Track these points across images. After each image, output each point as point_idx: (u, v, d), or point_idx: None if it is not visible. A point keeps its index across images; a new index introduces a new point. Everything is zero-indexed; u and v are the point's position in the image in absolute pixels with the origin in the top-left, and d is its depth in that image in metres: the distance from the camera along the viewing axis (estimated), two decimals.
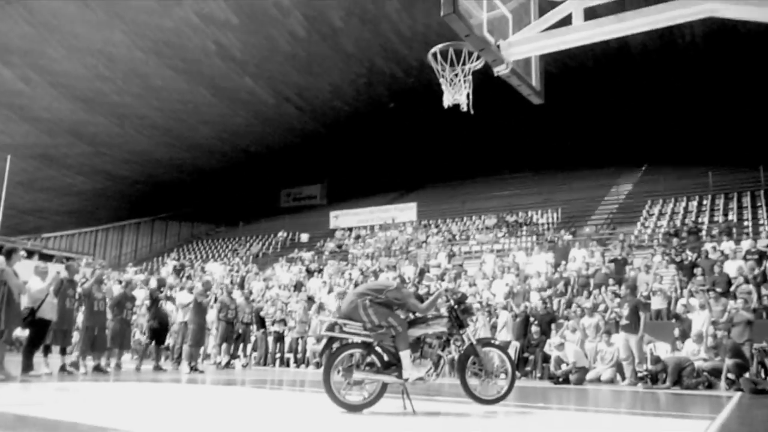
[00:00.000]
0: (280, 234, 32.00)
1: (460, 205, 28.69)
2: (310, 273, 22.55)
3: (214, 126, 30.28)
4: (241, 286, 22.45)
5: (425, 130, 33.07)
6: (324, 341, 5.88)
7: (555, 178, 31.47)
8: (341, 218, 31.47)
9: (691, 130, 30.52)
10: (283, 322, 17.40)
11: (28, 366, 9.64)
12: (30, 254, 27.09)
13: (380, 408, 5.56)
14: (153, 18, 24.81)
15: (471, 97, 5.49)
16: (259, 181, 36.89)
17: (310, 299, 18.36)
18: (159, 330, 13.02)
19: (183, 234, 37.76)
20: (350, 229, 29.55)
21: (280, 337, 17.18)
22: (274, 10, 24.62)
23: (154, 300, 12.95)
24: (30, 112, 26.67)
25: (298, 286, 21.37)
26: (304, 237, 31.19)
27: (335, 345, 5.69)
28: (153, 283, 16.26)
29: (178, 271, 26.74)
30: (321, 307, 16.90)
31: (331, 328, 5.68)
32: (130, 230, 36.00)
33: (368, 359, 5.63)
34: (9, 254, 9.00)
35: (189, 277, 25.17)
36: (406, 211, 29.52)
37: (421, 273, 18.12)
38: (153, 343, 13.21)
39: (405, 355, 5.56)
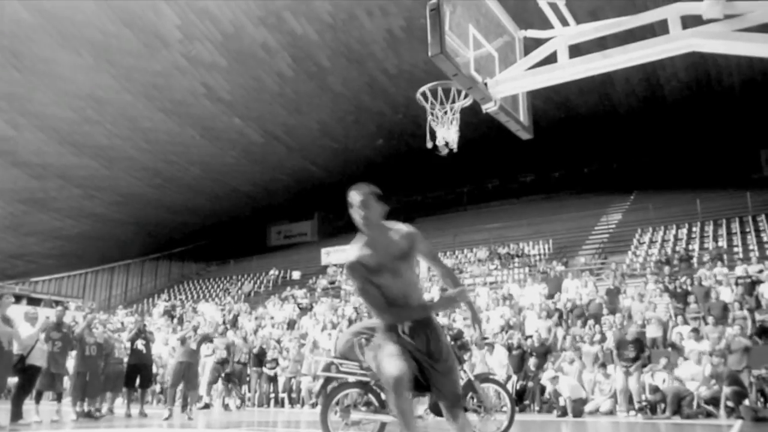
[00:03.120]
0: (271, 272, 31.84)
1: (452, 238, 28.75)
2: (302, 310, 22.41)
3: (203, 166, 30.33)
4: (234, 325, 22.26)
5: (413, 165, 33.29)
6: (321, 381, 5.83)
7: (544, 208, 31.66)
8: (333, 254, 31.37)
9: (677, 156, 30.96)
10: (276, 361, 17.21)
11: (17, 414, 9.44)
12: (18, 299, 26.78)
13: None
14: (141, 61, 25.05)
15: (459, 133, 5.56)
16: (249, 220, 36.86)
17: (304, 337, 18.22)
18: (134, 373, 12.26)
19: (173, 274, 37.47)
20: (342, 266, 29.45)
21: (273, 377, 16.97)
22: (261, 51, 24.94)
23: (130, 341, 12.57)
24: (18, 156, 26.63)
25: (291, 324, 21.21)
26: (296, 274, 31.06)
27: (332, 385, 5.64)
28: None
29: (169, 312, 26.48)
30: (315, 345, 16.75)
31: (327, 368, 5.65)
32: (120, 272, 35.67)
33: (365, 399, 5.58)
34: None
35: (180, 319, 24.92)
36: None
37: None
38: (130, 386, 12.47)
39: None
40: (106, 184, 29.13)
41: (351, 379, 5.56)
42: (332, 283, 27.01)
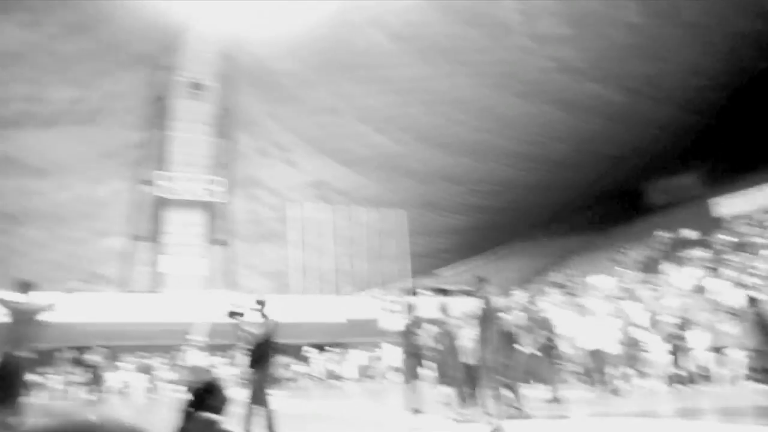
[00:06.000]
0: (658, 234, 29.87)
1: None
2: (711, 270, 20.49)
3: (566, 139, 30.15)
4: (634, 297, 21.51)
5: None
6: None
7: None
8: (726, 204, 28.01)
9: None
10: (679, 337, 15.72)
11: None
12: (433, 291, 30.59)
13: None
14: (488, 54, 26.14)
15: None
16: (624, 183, 35.31)
17: (715, 303, 16.58)
18: None
19: (558, 250, 37.96)
20: (744, 216, 26.03)
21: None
22: (603, 7, 23.69)
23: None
24: (407, 167, 30.43)
25: (697, 291, 19.56)
26: (688, 233, 28.53)
27: None
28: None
29: (560, 286, 27.01)
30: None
31: None
32: (510, 255, 37.72)
33: None
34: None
35: (573, 295, 25.15)
36: None
37: None
38: None
39: None
40: (481, 176, 31.24)
41: None
42: (736, 237, 24.07)
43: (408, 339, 9.96)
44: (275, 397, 7.25)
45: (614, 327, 16.95)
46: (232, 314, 7.28)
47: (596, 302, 21.13)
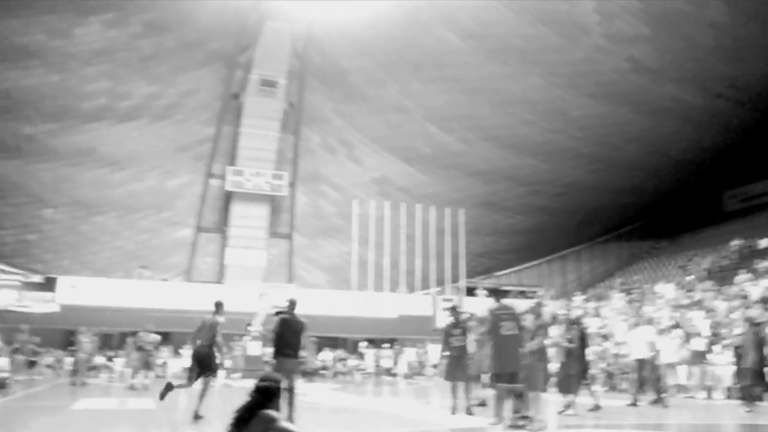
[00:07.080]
0: (733, 243, 28.48)
1: None
2: None
3: (639, 142, 29.22)
4: (702, 307, 20.62)
5: None
6: None
7: None
8: None
9: None
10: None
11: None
12: (490, 293, 30.23)
13: None
14: (563, 55, 25.66)
15: None
16: (698, 188, 33.89)
17: None
18: None
19: (623, 255, 36.87)
20: None
21: None
22: (686, 6, 22.81)
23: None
24: (471, 167, 30.20)
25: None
26: (765, 243, 27.09)
27: None
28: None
29: (627, 292, 26.15)
30: None
31: None
32: (571, 258, 36.76)
33: None
34: None
35: (639, 300, 24.33)
36: None
37: None
38: None
39: None
40: (547, 178, 30.67)
41: None
42: None
43: (449, 339, 9.94)
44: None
45: (675, 337, 16.40)
46: (277, 313, 7.87)
47: (659, 310, 20.46)
